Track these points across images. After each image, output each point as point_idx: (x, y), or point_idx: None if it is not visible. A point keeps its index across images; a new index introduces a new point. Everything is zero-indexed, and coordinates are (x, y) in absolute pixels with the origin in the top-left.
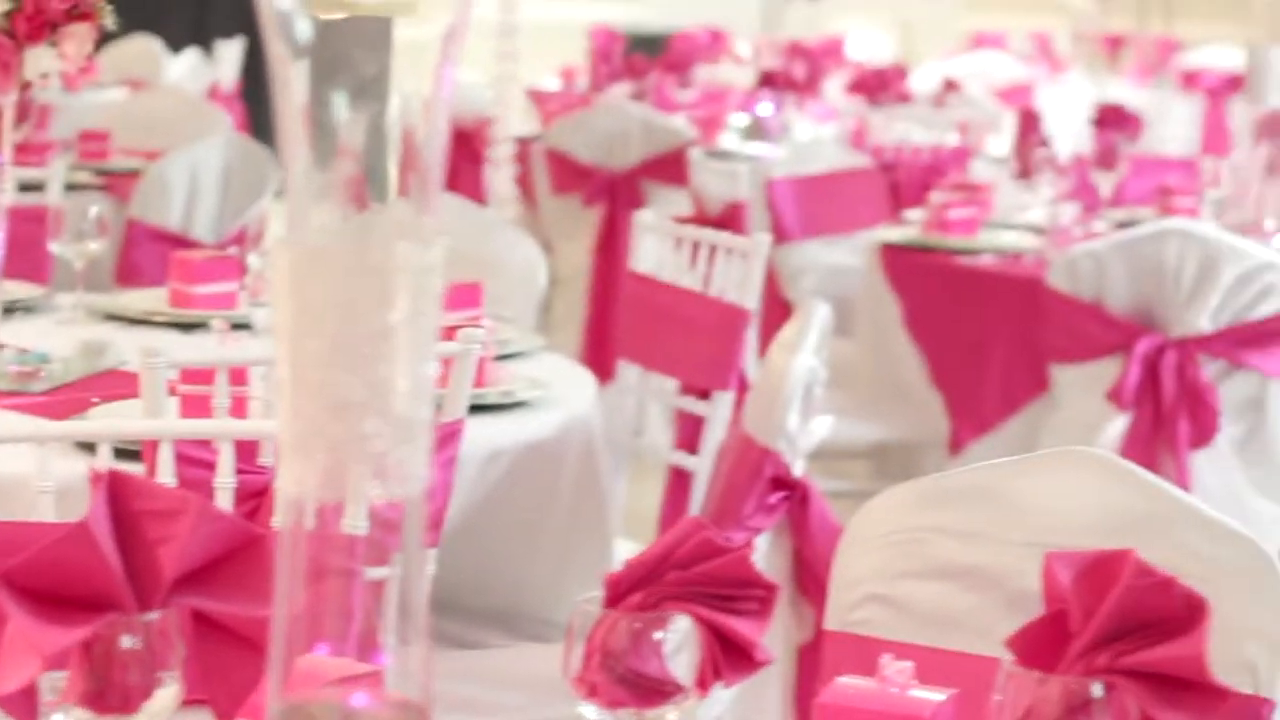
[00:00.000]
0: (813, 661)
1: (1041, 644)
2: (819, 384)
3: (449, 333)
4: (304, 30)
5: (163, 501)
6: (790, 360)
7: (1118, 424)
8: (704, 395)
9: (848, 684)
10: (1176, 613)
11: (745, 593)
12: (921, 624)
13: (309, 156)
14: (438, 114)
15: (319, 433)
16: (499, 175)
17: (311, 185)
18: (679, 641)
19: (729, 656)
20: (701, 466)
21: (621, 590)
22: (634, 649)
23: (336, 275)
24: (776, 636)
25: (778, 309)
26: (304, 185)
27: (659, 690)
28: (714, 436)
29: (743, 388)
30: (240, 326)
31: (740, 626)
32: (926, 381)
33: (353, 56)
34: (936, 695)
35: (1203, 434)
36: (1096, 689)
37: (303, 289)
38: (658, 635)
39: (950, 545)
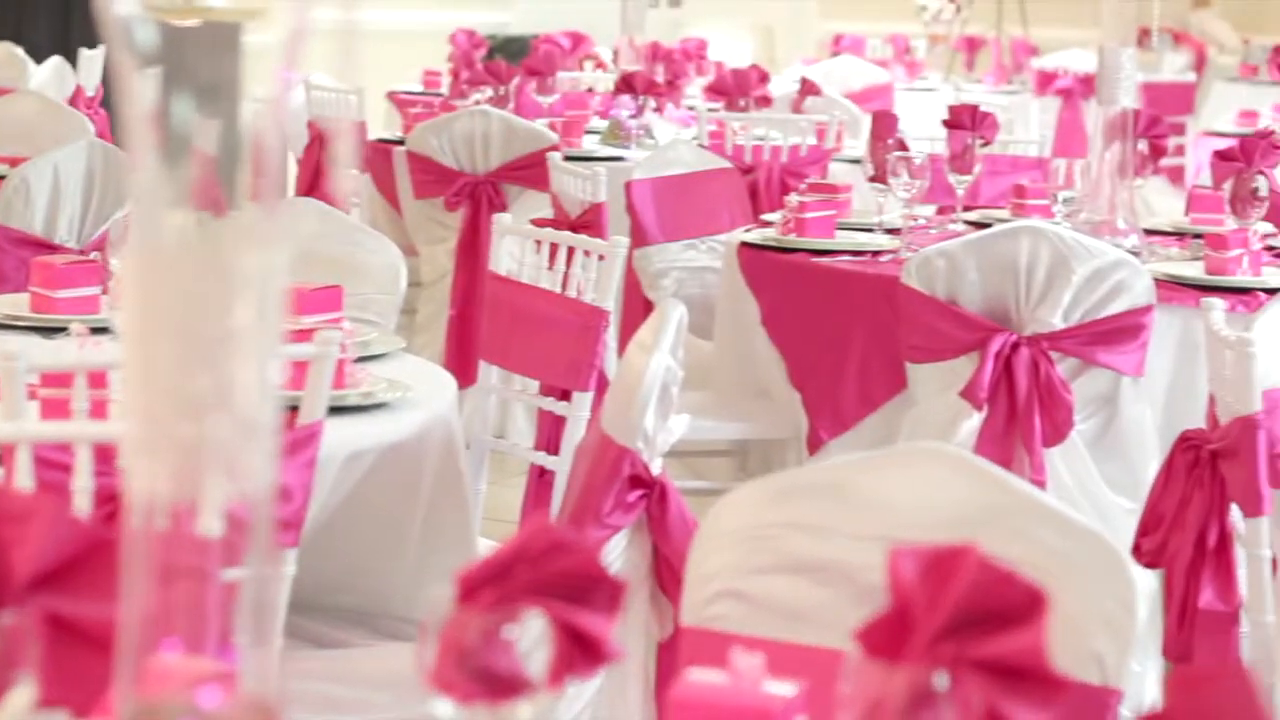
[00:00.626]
0: (672, 657)
1: (887, 636)
2: (676, 383)
3: (308, 335)
4: (147, 37)
5: (15, 504)
6: (647, 360)
7: (973, 421)
8: (564, 396)
9: (698, 678)
10: (1018, 605)
11: (595, 589)
12: (774, 618)
13: (158, 162)
14: (280, 118)
15: (168, 434)
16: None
17: (163, 190)
18: (532, 638)
19: (579, 652)
20: (562, 466)
21: (473, 588)
22: (486, 645)
23: (184, 279)
24: (636, 633)
25: (640, 310)
26: (152, 191)
27: (511, 686)
28: (574, 436)
29: (602, 388)
30: (101, 330)
31: (590, 622)
32: (785, 380)
33: (202, 62)
34: (786, 688)
35: (1056, 430)
36: (941, 680)
37: (151, 292)
38: (509, 631)
39: (802, 540)
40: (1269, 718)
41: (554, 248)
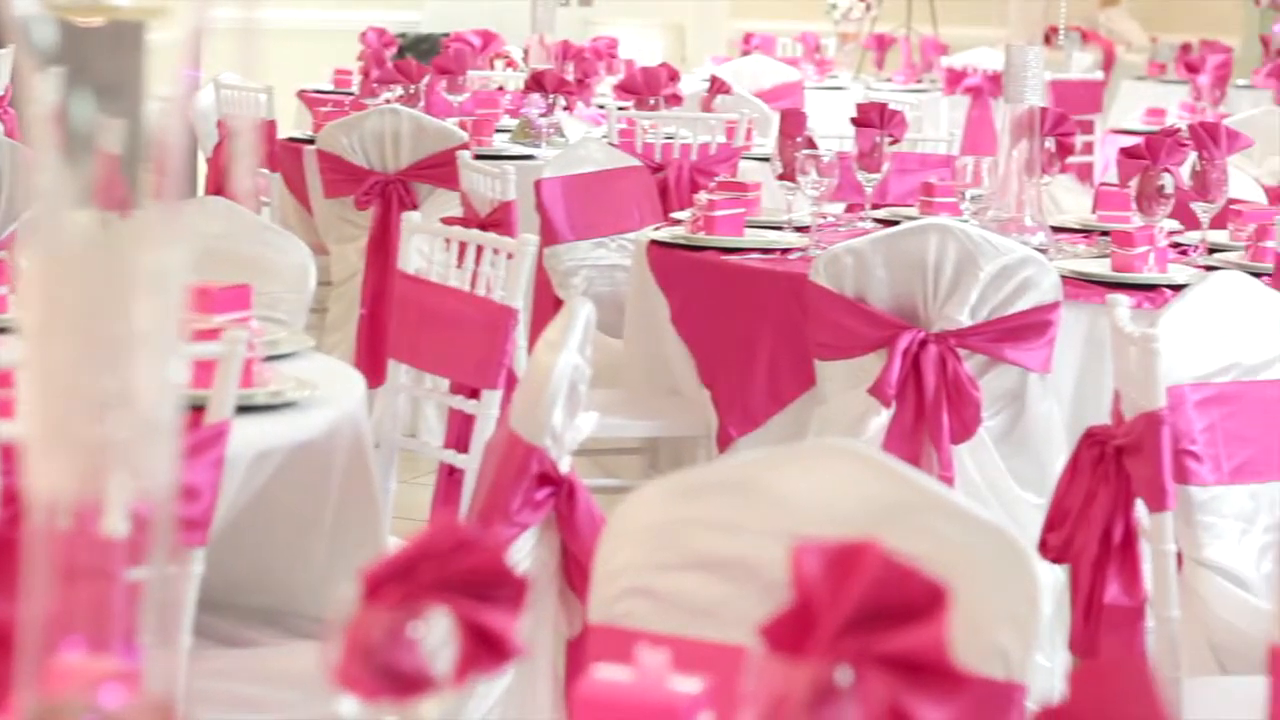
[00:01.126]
0: (580, 655)
1: (790, 632)
2: (584, 381)
3: (216, 334)
4: (46, 37)
5: None
6: (555, 358)
7: (881, 418)
8: (473, 394)
9: (604, 675)
10: (920, 600)
11: (499, 587)
12: (682, 615)
13: (60, 162)
14: (183, 116)
15: (70, 433)
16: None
17: (66, 190)
18: (437, 635)
19: (484, 649)
20: (471, 464)
21: (378, 586)
22: (391, 643)
23: (86, 278)
24: (545, 631)
25: (550, 308)
26: (54, 190)
27: (416, 683)
28: (483, 434)
29: (511, 386)
30: (5, 330)
31: (494, 619)
32: (695, 378)
33: (105, 61)
34: (692, 685)
35: (964, 427)
36: (844, 676)
37: (53, 292)
38: (413, 629)
39: (709, 537)
40: (1168, 712)
41: (463, 246)
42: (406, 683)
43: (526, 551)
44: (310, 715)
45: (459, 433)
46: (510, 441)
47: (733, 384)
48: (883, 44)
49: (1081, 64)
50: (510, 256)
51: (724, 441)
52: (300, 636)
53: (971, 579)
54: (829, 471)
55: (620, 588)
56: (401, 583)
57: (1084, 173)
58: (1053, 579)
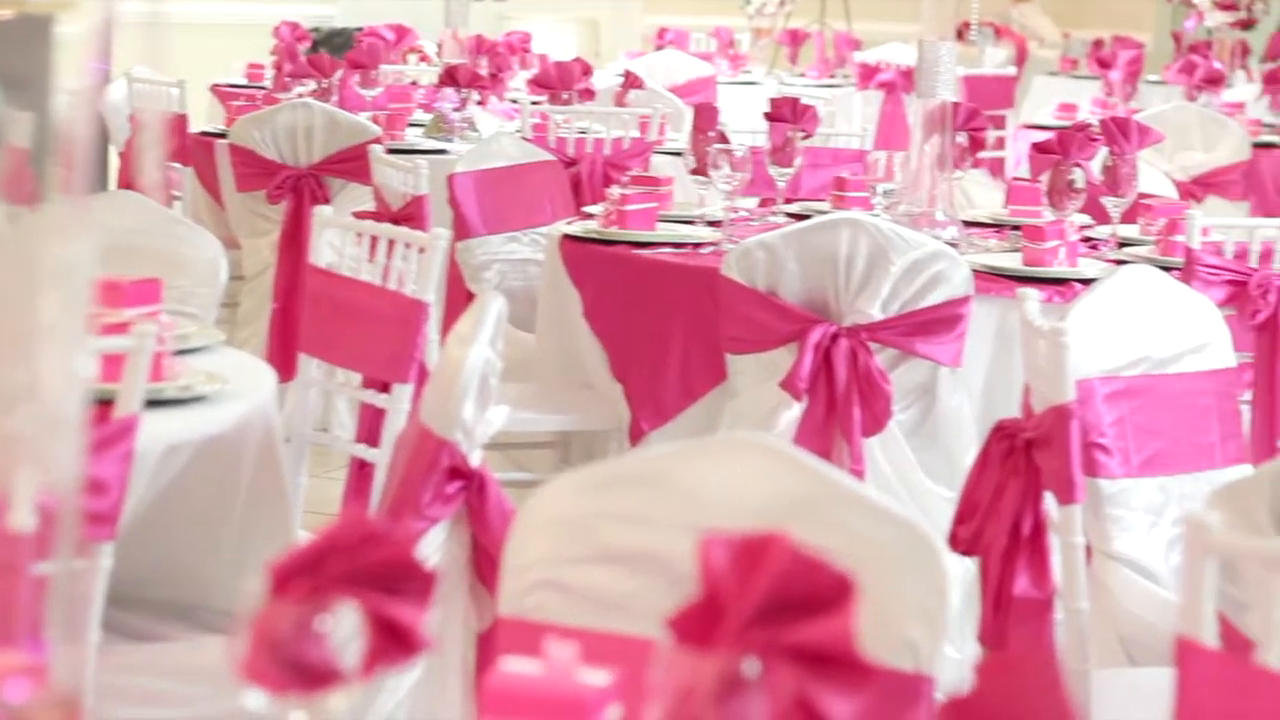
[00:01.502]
0: (491, 648)
1: (697, 624)
2: (495, 375)
3: (125, 328)
4: None
5: None
6: (466, 352)
7: (793, 411)
8: (385, 388)
9: (512, 668)
10: (827, 592)
11: (407, 580)
12: (592, 608)
13: None
14: (91, 110)
15: None
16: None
17: None
18: (346, 629)
19: (391, 642)
20: (382, 458)
21: (285, 579)
22: (298, 636)
23: None
24: (455, 624)
25: (463, 303)
26: None
27: (323, 676)
28: (394, 428)
29: (423, 380)
30: None
31: (402, 612)
32: (607, 372)
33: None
34: (600, 677)
35: (875, 420)
36: (751, 667)
37: None
38: (321, 622)
39: (619, 530)
40: (1073, 703)
41: (374, 240)
42: (314, 676)
43: (437, 545)
44: (218, 710)
45: (370, 427)
46: (421, 435)
47: (644, 378)
48: (796, 39)
49: (994, 59)
50: (422, 251)
51: (636, 435)
52: (210, 631)
53: (880, 572)
54: (739, 465)
55: (530, 581)
56: (309, 576)
57: (996, 168)
58: (962, 571)
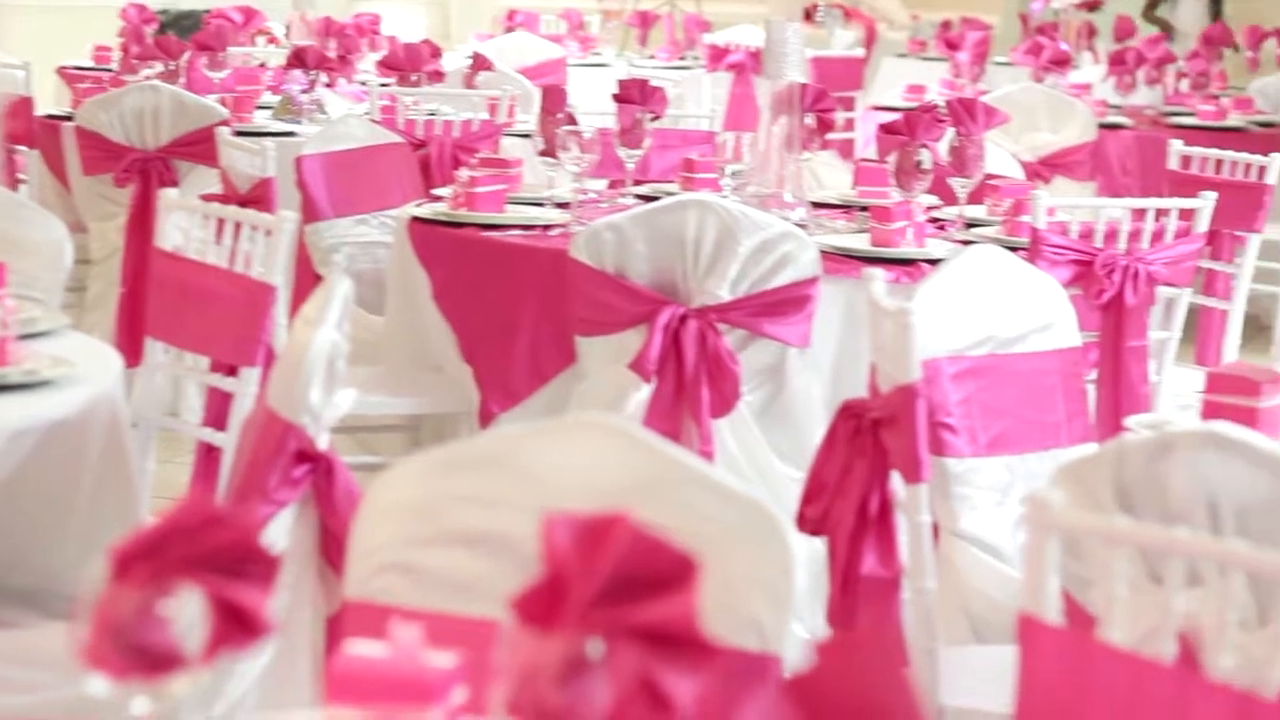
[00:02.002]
0: (340, 632)
1: (541, 605)
2: (342, 357)
3: None
4: None
5: None
6: (312, 335)
7: (642, 393)
8: (232, 371)
9: (358, 651)
10: (669, 572)
11: (250, 564)
12: (439, 590)
13: None
14: None
15: None
16: None
17: None
18: (189, 613)
19: (235, 626)
20: (230, 442)
21: (127, 563)
22: (140, 621)
23: None
24: (305, 608)
25: (312, 286)
26: None
27: (166, 661)
28: (242, 412)
29: (270, 363)
30: None
31: (245, 596)
32: (457, 354)
33: None
34: (446, 659)
35: (724, 402)
36: (595, 648)
37: None
38: (163, 607)
39: (467, 512)
40: (911, 680)
41: (221, 223)
42: (156, 661)
43: (284, 529)
44: (63, 696)
45: (217, 411)
46: (268, 419)
47: (494, 360)
48: (646, 21)
49: (843, 41)
50: (269, 234)
51: (486, 418)
52: (56, 617)
53: (726, 552)
54: (585, 446)
55: (377, 564)
56: (151, 561)
57: (845, 149)
58: (809, 551)
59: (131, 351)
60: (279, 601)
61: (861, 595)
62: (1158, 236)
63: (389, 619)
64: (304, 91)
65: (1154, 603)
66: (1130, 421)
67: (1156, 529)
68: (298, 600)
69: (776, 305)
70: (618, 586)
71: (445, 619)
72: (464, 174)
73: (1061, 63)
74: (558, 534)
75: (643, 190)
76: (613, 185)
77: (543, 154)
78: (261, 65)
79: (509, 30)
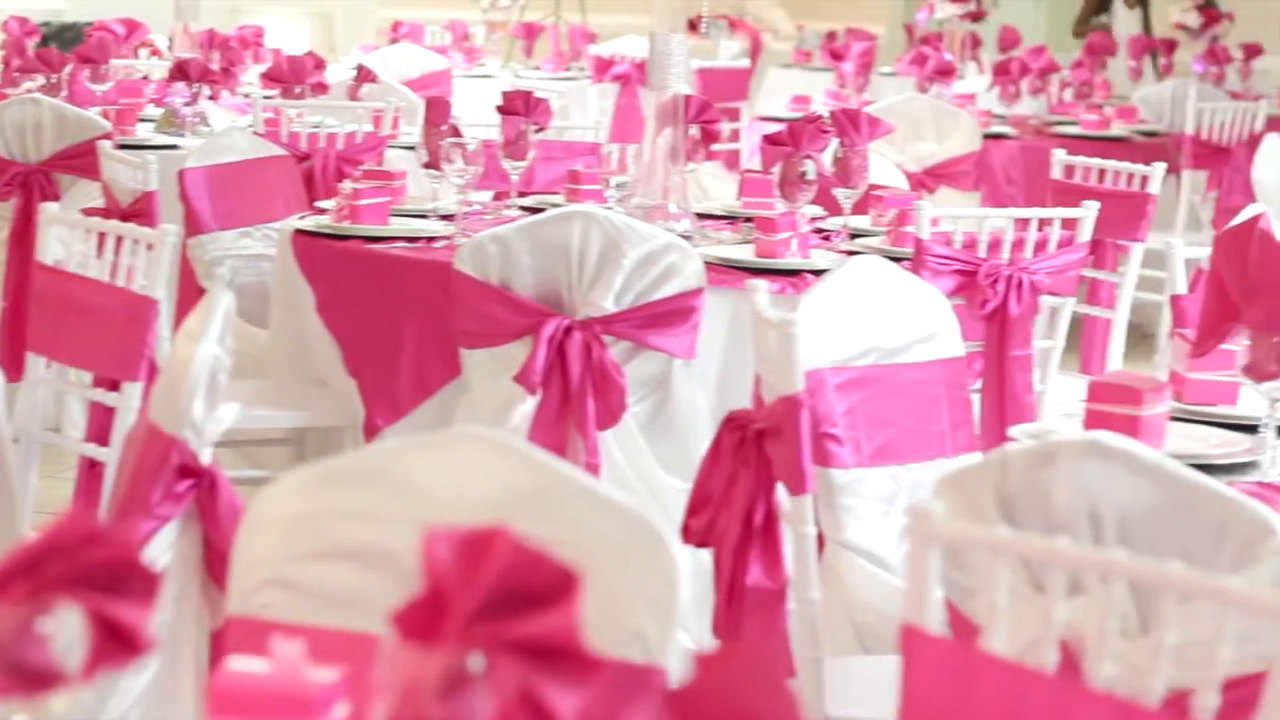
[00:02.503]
0: (223, 648)
1: (422, 619)
2: (224, 371)
3: None
4: None
5: None
6: (194, 349)
7: (528, 405)
8: (115, 386)
9: (239, 667)
10: (550, 585)
11: (130, 580)
12: (321, 605)
13: None
14: None
15: None
16: None
17: None
18: (68, 630)
19: (114, 643)
20: (112, 457)
21: (6, 580)
22: (18, 638)
23: None
24: (188, 624)
25: (196, 299)
26: None
27: (44, 678)
28: (124, 427)
29: (153, 377)
30: None
31: (125, 613)
32: (341, 367)
33: None
34: (327, 675)
35: (610, 413)
36: (476, 662)
37: None
38: (41, 624)
39: (348, 526)
40: (790, 692)
41: (103, 237)
42: (35, 678)
43: (167, 544)
44: None
45: (100, 426)
46: (150, 433)
47: (379, 373)
48: (531, 32)
49: (729, 52)
50: (151, 247)
51: (371, 431)
52: None
53: (609, 564)
54: (467, 459)
55: (259, 579)
56: (28, 577)
57: (731, 160)
58: (695, 563)
59: (13, 366)
60: (161, 617)
61: (747, 606)
62: (1041, 246)
63: (270, 634)
64: (187, 104)
65: (1036, 612)
66: (1014, 431)
67: (1038, 539)
68: (181, 616)
69: (661, 317)
70: (498, 600)
71: (327, 634)
72: (348, 186)
73: (946, 73)
74: (437, 548)
75: (527, 202)
76: (497, 197)
77: (427, 166)
78: (144, 78)
79: (394, 42)
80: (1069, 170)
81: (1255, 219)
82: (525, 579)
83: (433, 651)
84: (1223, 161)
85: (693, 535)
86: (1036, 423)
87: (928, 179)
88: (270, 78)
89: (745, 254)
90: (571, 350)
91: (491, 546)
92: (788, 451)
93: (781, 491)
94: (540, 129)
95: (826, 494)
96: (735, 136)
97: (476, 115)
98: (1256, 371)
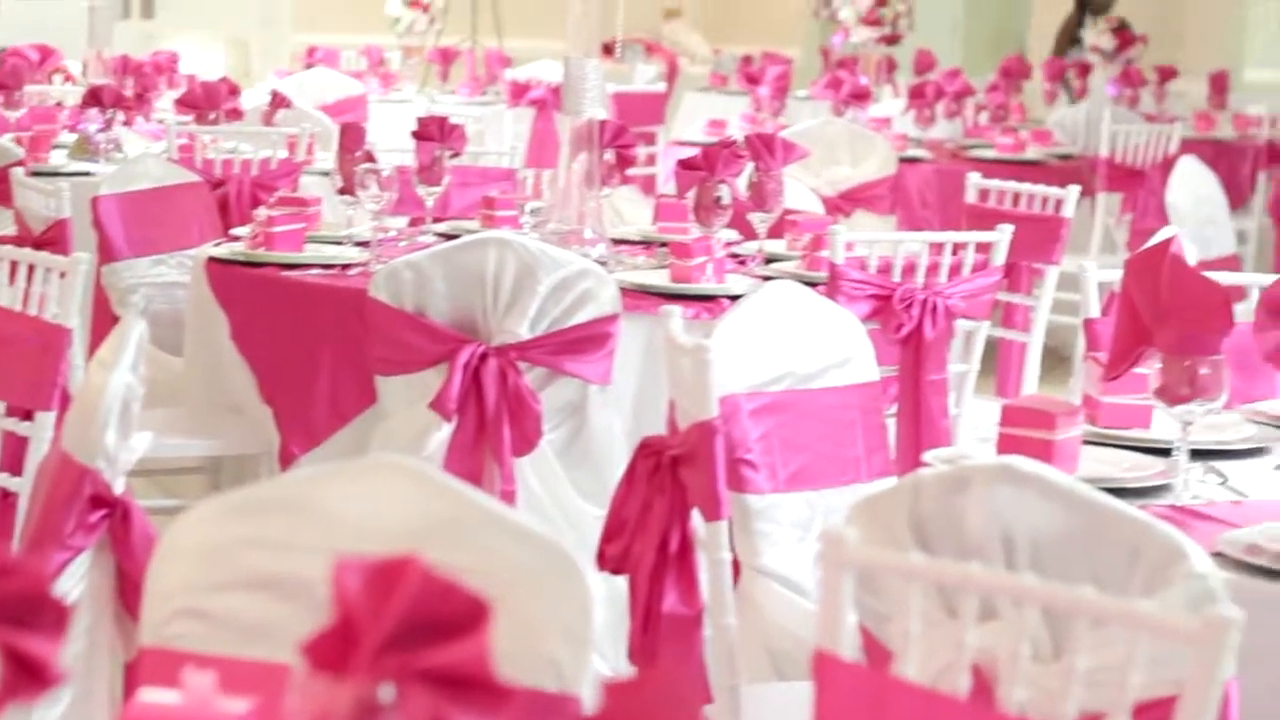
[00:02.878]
0: (137, 679)
1: (332, 650)
2: (137, 400)
3: None
4: None
5: None
6: (106, 378)
7: (444, 432)
8: (27, 415)
9: (150, 699)
10: (461, 614)
11: (39, 612)
12: (234, 635)
13: None
14: None
15: None
16: None
17: None
18: None
19: (23, 676)
20: (25, 487)
21: None
22: None
23: None
24: (102, 655)
25: (111, 327)
26: None
27: None
28: (37, 457)
29: (65, 407)
30: None
31: (34, 646)
32: (256, 395)
33: None
34: (239, 705)
35: (526, 440)
36: (387, 692)
37: None
38: None
39: (261, 555)
40: (703, 718)
41: (14, 265)
42: None
43: (80, 575)
44: None
45: (13, 455)
46: (63, 463)
47: (294, 401)
48: (447, 57)
49: (645, 76)
50: (63, 275)
51: (286, 459)
52: None
53: (523, 592)
54: (380, 488)
55: (172, 609)
56: None
57: (648, 184)
58: (611, 589)
59: None
60: (74, 649)
61: (663, 633)
62: (956, 270)
63: (183, 665)
64: (101, 130)
65: (950, 637)
66: (928, 456)
67: (950, 564)
68: (95, 646)
69: (577, 343)
70: (409, 630)
71: (240, 664)
72: (262, 213)
73: (861, 97)
74: (348, 577)
75: (443, 228)
76: (412, 223)
77: (341, 192)
78: (58, 104)
79: (309, 67)
80: (984, 194)
81: (1167, 242)
82: (436, 608)
83: (343, 682)
84: (1137, 184)
85: (608, 562)
86: (951, 447)
87: (844, 203)
88: (184, 104)
89: (660, 279)
90: (487, 377)
91: (402, 576)
92: (702, 477)
93: (697, 518)
94: (455, 154)
95: (742, 520)
96: (652, 161)
97: (393, 140)
98: (1169, 395)
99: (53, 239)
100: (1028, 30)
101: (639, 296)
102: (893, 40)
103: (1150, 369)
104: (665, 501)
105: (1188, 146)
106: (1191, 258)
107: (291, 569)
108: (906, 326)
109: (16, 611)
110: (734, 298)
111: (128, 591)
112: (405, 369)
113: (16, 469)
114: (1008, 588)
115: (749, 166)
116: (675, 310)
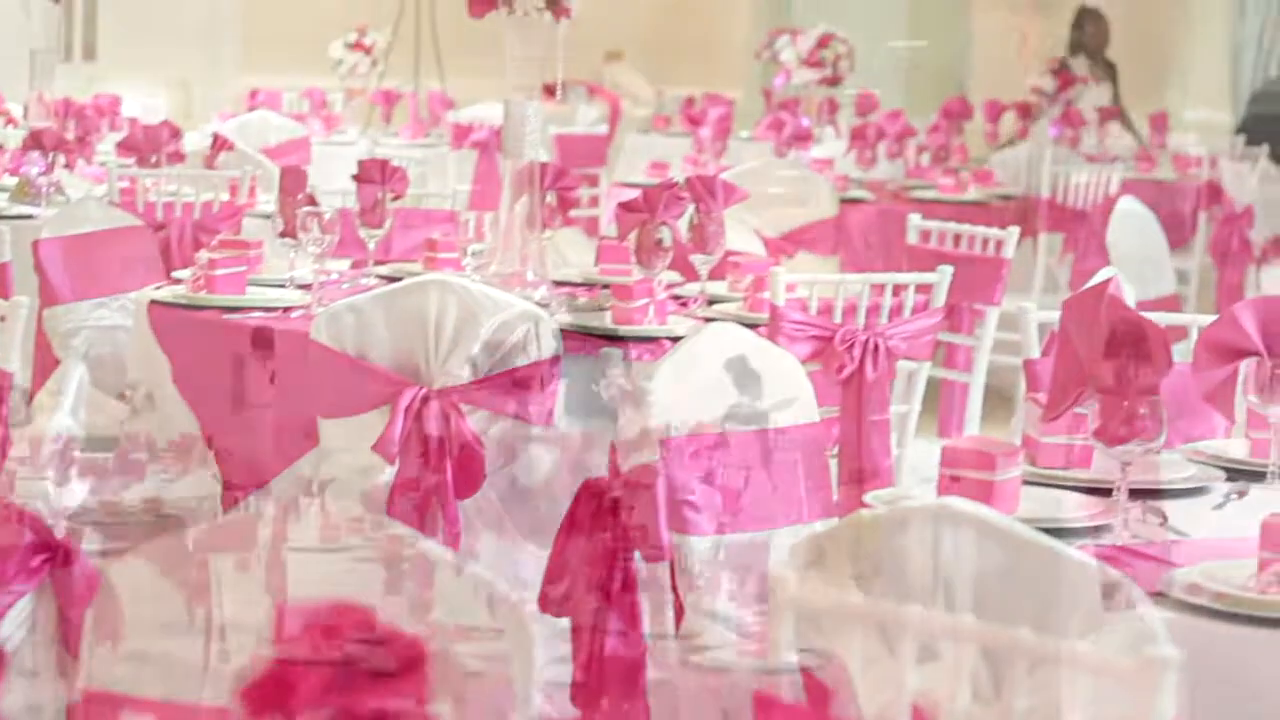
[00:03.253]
0: None
1: (270, 694)
2: (77, 443)
3: None
4: None
5: None
6: (48, 421)
7: (387, 475)
8: None
9: None
10: (398, 659)
11: None
12: (173, 678)
13: None
14: None
15: None
16: None
17: None
18: None
19: None
20: None
21: None
22: None
23: None
24: (45, 698)
25: (53, 371)
26: None
27: None
28: None
29: (5, 450)
30: None
31: None
32: (199, 439)
33: None
34: None
35: (470, 482)
36: None
37: None
38: None
39: (202, 599)
40: None
41: None
42: None
43: (22, 619)
44: None
45: None
46: (3, 508)
47: (237, 443)
48: (390, 99)
49: (587, 118)
50: (3, 319)
51: (229, 501)
52: None
53: (463, 635)
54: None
55: (113, 652)
56: None
57: (591, 226)
58: (553, 631)
59: None
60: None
61: (606, 675)
62: (897, 311)
63: (122, 708)
64: (42, 173)
65: (890, 676)
66: (869, 496)
67: (890, 605)
68: (37, 690)
69: (518, 384)
70: (347, 674)
71: (179, 709)
72: (204, 256)
73: (803, 138)
74: (289, 623)
75: (385, 270)
76: (354, 266)
77: (283, 235)
78: None
79: (251, 109)
80: (925, 235)
81: (1104, 283)
82: (373, 653)
83: None
84: (1078, 224)
85: (550, 604)
86: (893, 488)
87: (786, 244)
88: (126, 147)
89: (602, 321)
90: (429, 419)
91: (342, 622)
92: (645, 519)
93: (639, 559)
94: (397, 197)
95: (684, 561)
96: (595, 203)
97: (337, 182)
98: (1108, 435)
99: None
100: (969, 72)
101: (581, 338)
102: (834, 82)
103: (1089, 409)
104: (607, 543)
105: (1128, 187)
106: (1130, 298)
107: (231, 613)
108: (848, 367)
109: None
110: (675, 339)
111: (70, 635)
112: (347, 412)
113: None
114: (946, 628)
115: (690, 208)
116: (616, 353)
